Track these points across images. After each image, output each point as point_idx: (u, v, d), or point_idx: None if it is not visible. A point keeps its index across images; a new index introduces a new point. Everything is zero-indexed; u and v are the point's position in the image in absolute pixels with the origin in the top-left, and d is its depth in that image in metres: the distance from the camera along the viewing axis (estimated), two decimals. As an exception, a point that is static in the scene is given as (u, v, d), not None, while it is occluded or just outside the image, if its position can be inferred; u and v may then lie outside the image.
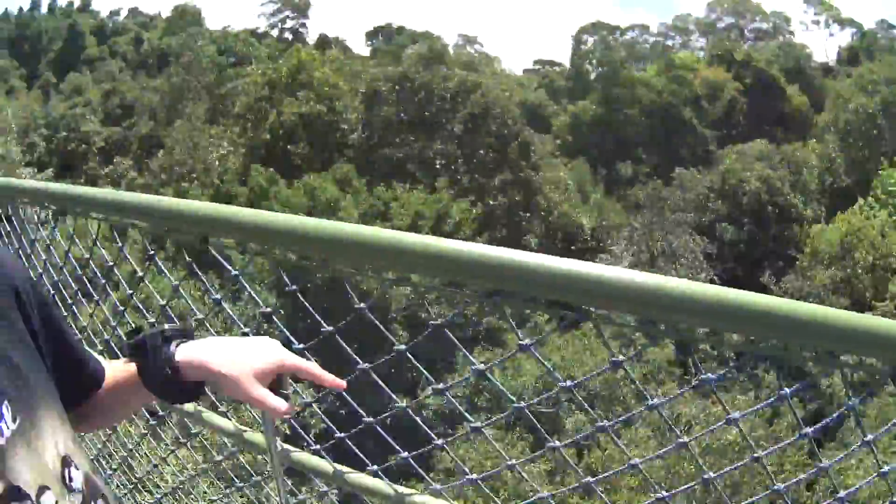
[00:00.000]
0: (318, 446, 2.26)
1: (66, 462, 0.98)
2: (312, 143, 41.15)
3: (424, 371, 2.01)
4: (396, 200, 32.70)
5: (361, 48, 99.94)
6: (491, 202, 39.27)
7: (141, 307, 2.74)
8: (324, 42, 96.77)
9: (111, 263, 2.61)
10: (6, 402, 0.92)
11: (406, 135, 42.25)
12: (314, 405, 2.42)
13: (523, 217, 40.65)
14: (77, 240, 2.88)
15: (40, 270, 3.35)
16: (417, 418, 2.09)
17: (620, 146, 56.04)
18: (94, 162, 66.87)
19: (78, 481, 0.99)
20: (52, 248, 3.12)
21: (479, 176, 40.52)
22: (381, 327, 2.01)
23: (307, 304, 2.17)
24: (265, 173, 34.10)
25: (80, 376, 1.20)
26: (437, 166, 40.65)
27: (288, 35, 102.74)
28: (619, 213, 45.59)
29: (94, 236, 2.65)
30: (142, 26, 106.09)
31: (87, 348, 1.19)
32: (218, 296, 2.26)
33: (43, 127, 72.71)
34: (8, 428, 0.90)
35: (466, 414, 2.06)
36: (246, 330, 2.27)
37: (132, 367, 1.30)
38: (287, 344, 1.84)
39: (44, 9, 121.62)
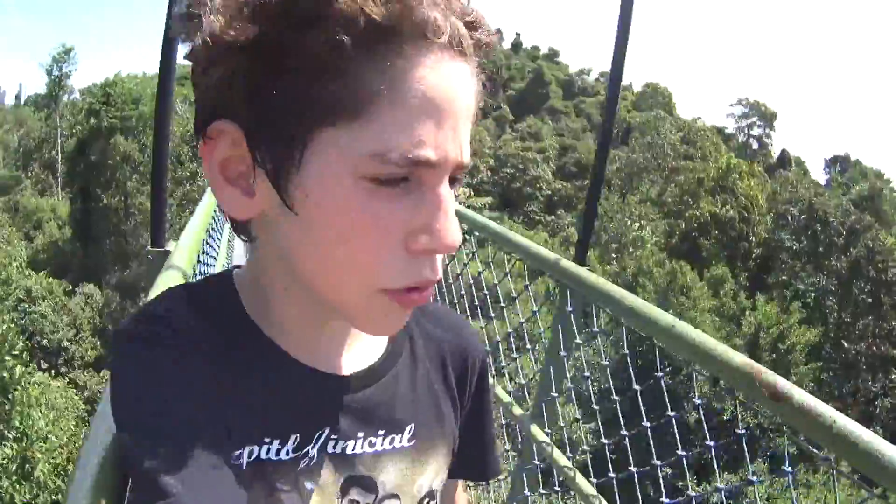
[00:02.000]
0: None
1: (430, 495, 1.10)
2: (719, 242, 47.49)
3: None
4: (755, 310, 38.01)
5: (819, 173, 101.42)
6: (847, 344, 40.93)
7: (509, 329, 3.57)
8: (784, 158, 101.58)
9: (515, 295, 3.29)
10: (413, 425, 1.07)
11: (795, 261, 46.49)
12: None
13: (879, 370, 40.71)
14: (491, 266, 3.50)
15: (450, 281, 4.14)
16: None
17: None
18: (536, 207, 77.63)
19: None
20: (467, 266, 3.87)
21: (845, 316, 42.79)
22: (667, 398, 2.37)
23: (630, 364, 2.52)
24: (656, 255, 41.55)
25: (471, 460, 1.26)
26: (808, 297, 43.61)
27: (753, 142, 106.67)
28: None
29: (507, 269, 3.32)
30: None
31: (494, 449, 1.32)
32: (579, 340, 2.96)
33: (490, 157, 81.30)
34: (400, 443, 1.05)
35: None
36: (587, 374, 3.03)
37: None
38: (607, 393, 2.62)
39: (506, 44, 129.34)
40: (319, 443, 0.97)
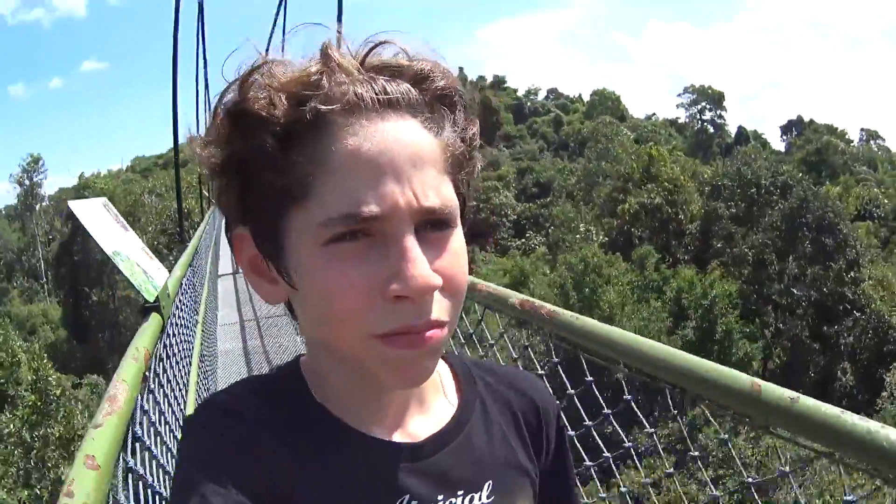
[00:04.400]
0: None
1: None
2: (650, 228, 51.00)
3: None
4: (677, 277, 41.49)
5: (777, 142, 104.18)
6: (794, 290, 44.24)
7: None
8: (741, 135, 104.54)
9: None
10: (491, 482, 1.11)
11: (731, 226, 49.03)
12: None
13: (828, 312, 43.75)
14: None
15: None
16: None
17: None
18: (505, 233, 79.21)
19: None
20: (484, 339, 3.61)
21: (794, 267, 45.25)
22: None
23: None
24: (587, 247, 45.53)
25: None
26: (749, 256, 46.49)
27: (709, 127, 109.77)
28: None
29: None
30: (562, 108, 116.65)
31: (577, 498, 1.34)
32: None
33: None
34: (480, 500, 1.09)
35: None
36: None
37: None
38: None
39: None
40: None
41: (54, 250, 63.52)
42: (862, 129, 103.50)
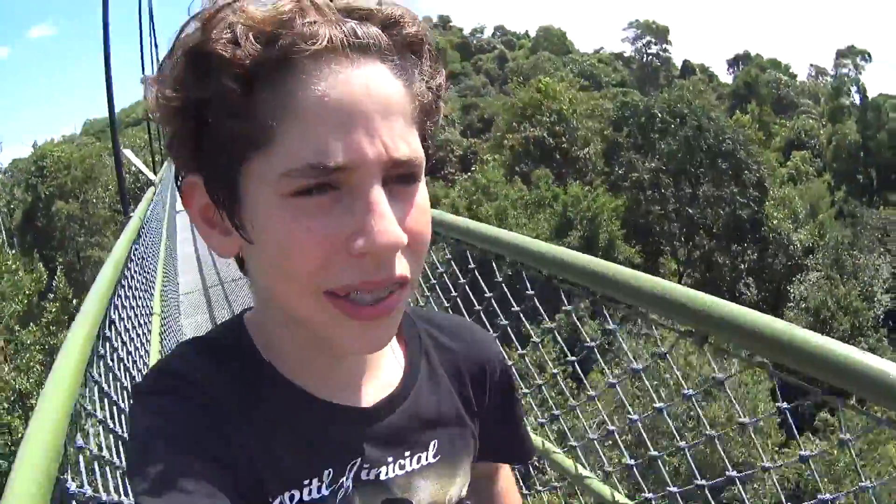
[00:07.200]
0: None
1: (460, 503, 1.22)
2: (540, 159, 55.72)
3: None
4: (565, 194, 46.22)
5: (724, 74, 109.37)
6: (690, 210, 48.86)
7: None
8: (686, 68, 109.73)
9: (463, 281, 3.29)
10: (436, 441, 1.17)
11: (626, 153, 53.47)
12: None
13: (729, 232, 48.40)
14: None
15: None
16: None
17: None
18: (452, 168, 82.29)
19: None
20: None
21: (686, 189, 49.57)
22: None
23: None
24: (486, 173, 51.12)
25: (504, 447, 1.39)
26: (645, 182, 50.90)
27: (655, 60, 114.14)
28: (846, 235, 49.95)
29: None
30: (507, 45, 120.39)
31: (525, 437, 1.43)
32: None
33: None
34: (427, 459, 1.16)
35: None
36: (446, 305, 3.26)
37: None
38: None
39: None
40: (352, 473, 1.07)
41: (17, 219, 65.53)
42: (811, 65, 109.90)
